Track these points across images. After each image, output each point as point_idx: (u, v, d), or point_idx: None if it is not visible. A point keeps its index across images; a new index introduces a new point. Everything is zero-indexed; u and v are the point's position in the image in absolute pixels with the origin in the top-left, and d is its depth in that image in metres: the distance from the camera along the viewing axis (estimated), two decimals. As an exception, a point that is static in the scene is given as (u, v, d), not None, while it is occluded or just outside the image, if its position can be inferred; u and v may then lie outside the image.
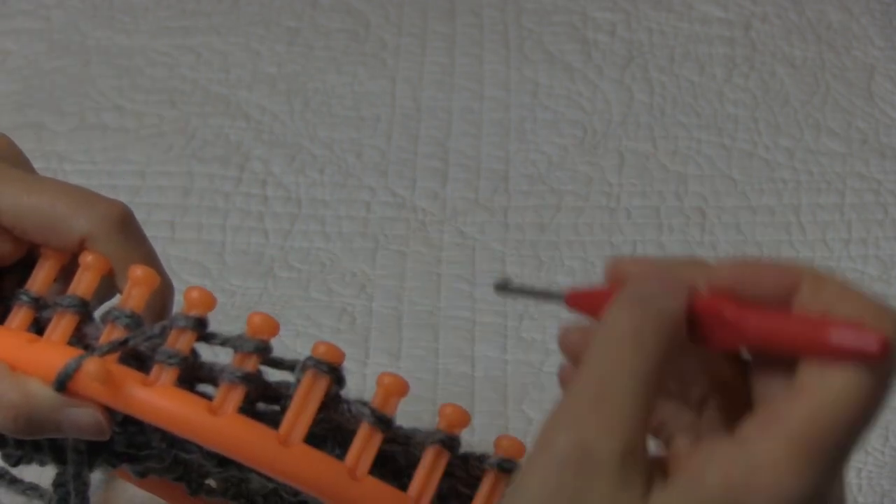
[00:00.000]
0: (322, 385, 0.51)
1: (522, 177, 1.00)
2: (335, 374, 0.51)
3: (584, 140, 1.03)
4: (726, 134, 1.04)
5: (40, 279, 0.55)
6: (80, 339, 0.53)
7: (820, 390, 0.40)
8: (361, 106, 1.06)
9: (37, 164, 0.62)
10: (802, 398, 0.40)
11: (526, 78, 1.09)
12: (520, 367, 0.86)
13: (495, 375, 0.86)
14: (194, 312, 0.52)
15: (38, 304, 0.54)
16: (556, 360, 0.87)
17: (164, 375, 0.51)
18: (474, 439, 0.82)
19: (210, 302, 0.52)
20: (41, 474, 0.80)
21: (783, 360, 0.42)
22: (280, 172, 0.99)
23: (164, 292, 0.56)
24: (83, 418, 0.51)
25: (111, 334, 0.52)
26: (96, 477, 0.76)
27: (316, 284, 0.91)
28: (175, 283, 0.89)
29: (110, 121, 1.04)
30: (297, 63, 1.10)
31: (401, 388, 0.52)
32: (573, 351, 0.45)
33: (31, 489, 0.72)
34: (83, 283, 0.54)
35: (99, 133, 1.02)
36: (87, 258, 0.54)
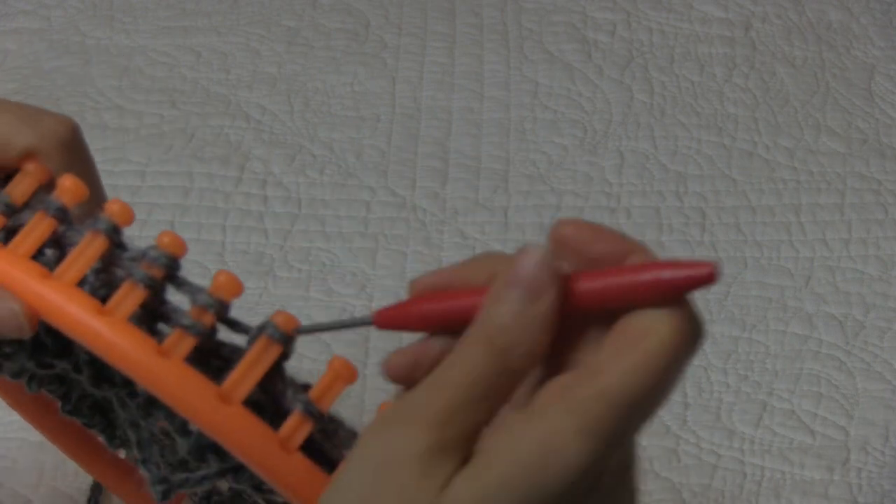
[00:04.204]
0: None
1: (522, 177, 1.00)
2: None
3: (584, 140, 1.03)
4: (726, 134, 1.04)
5: (20, 190, 0.53)
6: (57, 242, 0.52)
7: (609, 368, 0.40)
8: (361, 106, 1.06)
9: (37, 164, 0.62)
10: (592, 376, 0.40)
11: (526, 78, 1.09)
12: (520, 367, 0.87)
13: (495, 375, 0.86)
14: (112, 220, 0.51)
15: (10, 211, 0.52)
16: (556, 360, 0.87)
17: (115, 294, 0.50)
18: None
19: (128, 216, 0.52)
20: (39, 483, 0.80)
21: (599, 328, 0.42)
22: (280, 172, 0.99)
23: (95, 209, 0.54)
24: (2, 311, 0.49)
25: (41, 221, 0.52)
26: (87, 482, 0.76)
27: (316, 284, 0.91)
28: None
29: (110, 121, 1.04)
30: (297, 63, 1.10)
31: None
32: (399, 375, 0.45)
33: None
34: (19, 188, 0.53)
35: (99, 133, 1.02)
36: (28, 166, 0.54)
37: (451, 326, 0.44)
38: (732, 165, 1.01)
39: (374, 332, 0.88)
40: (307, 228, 0.95)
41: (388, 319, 0.47)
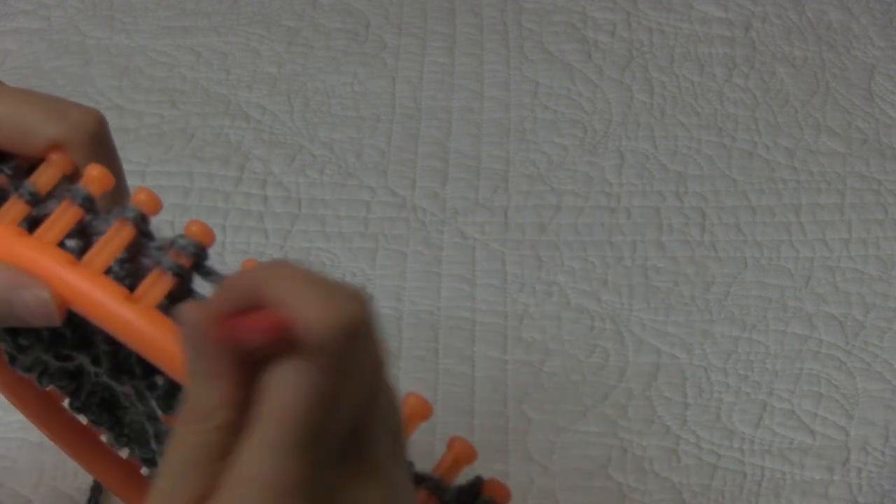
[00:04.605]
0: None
1: (522, 177, 1.00)
2: None
3: (584, 140, 1.03)
4: (726, 134, 1.04)
5: (44, 179, 0.53)
6: (82, 232, 0.52)
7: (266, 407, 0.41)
8: (361, 106, 1.06)
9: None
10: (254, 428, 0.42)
11: (526, 78, 1.09)
12: (520, 367, 0.87)
13: (495, 375, 0.86)
14: (138, 209, 0.51)
15: (35, 200, 0.53)
16: (556, 360, 0.87)
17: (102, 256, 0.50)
18: (475, 439, 0.82)
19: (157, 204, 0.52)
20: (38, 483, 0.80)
21: None
22: (280, 172, 0.99)
23: (118, 202, 0.54)
24: (31, 299, 0.49)
25: (67, 209, 0.52)
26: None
27: (316, 284, 0.91)
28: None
29: (110, 121, 1.03)
30: (297, 63, 1.10)
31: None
32: None
33: None
34: (43, 178, 0.53)
35: (99, 133, 1.02)
36: (52, 156, 0.54)
37: None
38: (732, 165, 1.01)
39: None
40: (307, 228, 0.95)
41: None
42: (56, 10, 1.15)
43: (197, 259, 0.50)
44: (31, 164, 0.54)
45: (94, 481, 0.76)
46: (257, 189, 0.98)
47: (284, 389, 0.41)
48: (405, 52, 1.11)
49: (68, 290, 0.49)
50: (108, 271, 0.50)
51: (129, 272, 0.50)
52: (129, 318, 0.48)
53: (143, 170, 0.99)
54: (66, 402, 0.61)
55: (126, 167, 1.00)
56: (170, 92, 1.06)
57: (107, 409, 0.60)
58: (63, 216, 0.51)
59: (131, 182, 0.98)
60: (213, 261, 0.95)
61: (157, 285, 0.49)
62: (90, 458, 0.66)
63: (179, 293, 0.50)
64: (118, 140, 1.04)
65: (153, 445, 0.57)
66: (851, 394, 0.85)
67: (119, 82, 1.07)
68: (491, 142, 1.03)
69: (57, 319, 0.49)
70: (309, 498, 0.42)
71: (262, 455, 0.41)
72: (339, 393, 0.42)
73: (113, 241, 0.50)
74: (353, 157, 1.01)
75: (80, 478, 0.78)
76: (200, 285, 0.51)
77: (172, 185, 0.98)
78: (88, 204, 0.52)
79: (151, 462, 0.59)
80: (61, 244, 0.51)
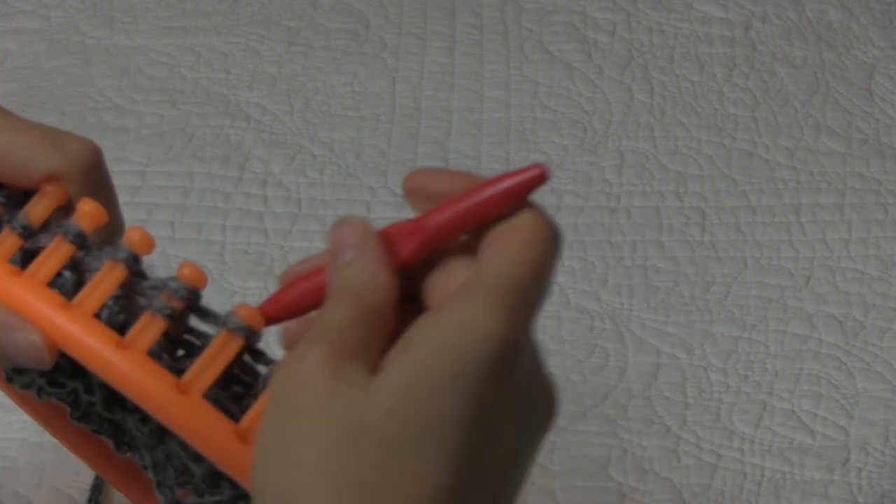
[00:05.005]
0: (234, 346, 0.50)
1: (522, 177, 1.00)
2: (250, 339, 0.51)
3: (584, 140, 1.03)
4: (726, 134, 1.04)
5: (37, 211, 0.53)
6: (75, 268, 0.52)
7: (498, 257, 0.45)
8: (361, 106, 1.06)
9: (37, 165, 0.62)
10: (485, 268, 0.45)
11: (526, 78, 1.09)
12: (520, 367, 0.86)
13: (495, 375, 0.86)
14: (131, 250, 0.51)
15: (28, 233, 0.52)
16: (556, 360, 0.87)
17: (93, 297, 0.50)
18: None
19: (149, 244, 0.52)
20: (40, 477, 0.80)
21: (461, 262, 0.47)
22: (280, 172, 0.99)
23: (112, 234, 0.54)
24: (22, 341, 0.49)
25: (59, 246, 0.52)
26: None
27: (316, 284, 0.91)
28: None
29: (110, 121, 1.04)
30: (297, 63, 1.10)
31: None
32: (294, 343, 0.48)
33: None
34: (37, 209, 0.53)
35: (99, 133, 1.02)
36: (46, 187, 0.54)
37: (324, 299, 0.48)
38: (732, 165, 1.01)
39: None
40: (307, 228, 0.95)
41: (270, 312, 0.49)
42: (56, 10, 1.15)
43: (190, 302, 0.50)
44: (24, 190, 0.54)
45: (94, 481, 0.76)
46: (257, 189, 0.98)
47: (513, 241, 0.45)
48: (405, 52, 1.11)
49: (58, 333, 0.49)
50: (102, 308, 0.50)
51: (123, 308, 0.50)
52: (119, 364, 0.48)
53: (143, 170, 0.99)
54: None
55: (126, 167, 1.00)
56: (170, 92, 1.06)
57: (107, 419, 0.60)
58: (55, 253, 0.51)
59: (131, 182, 0.98)
60: (213, 260, 0.95)
61: (148, 329, 0.49)
62: (101, 462, 0.66)
63: (176, 330, 0.50)
64: (118, 140, 1.04)
65: (151, 474, 0.57)
66: (851, 394, 0.85)
67: (119, 82, 1.07)
68: (491, 142, 1.03)
69: (48, 363, 0.49)
70: (515, 365, 0.44)
71: (485, 310, 0.43)
72: (551, 275, 0.45)
73: (104, 282, 0.50)
74: (353, 157, 1.01)
75: (80, 478, 0.78)
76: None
77: (172, 185, 0.98)
78: (81, 240, 0.52)
79: (151, 469, 0.59)
80: (59, 275, 0.51)
